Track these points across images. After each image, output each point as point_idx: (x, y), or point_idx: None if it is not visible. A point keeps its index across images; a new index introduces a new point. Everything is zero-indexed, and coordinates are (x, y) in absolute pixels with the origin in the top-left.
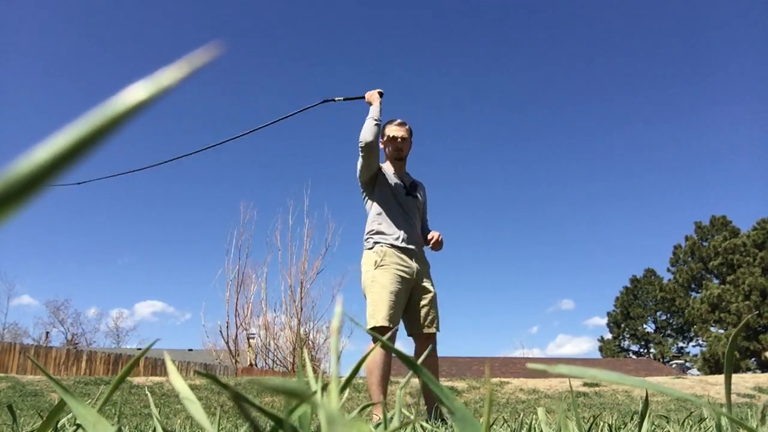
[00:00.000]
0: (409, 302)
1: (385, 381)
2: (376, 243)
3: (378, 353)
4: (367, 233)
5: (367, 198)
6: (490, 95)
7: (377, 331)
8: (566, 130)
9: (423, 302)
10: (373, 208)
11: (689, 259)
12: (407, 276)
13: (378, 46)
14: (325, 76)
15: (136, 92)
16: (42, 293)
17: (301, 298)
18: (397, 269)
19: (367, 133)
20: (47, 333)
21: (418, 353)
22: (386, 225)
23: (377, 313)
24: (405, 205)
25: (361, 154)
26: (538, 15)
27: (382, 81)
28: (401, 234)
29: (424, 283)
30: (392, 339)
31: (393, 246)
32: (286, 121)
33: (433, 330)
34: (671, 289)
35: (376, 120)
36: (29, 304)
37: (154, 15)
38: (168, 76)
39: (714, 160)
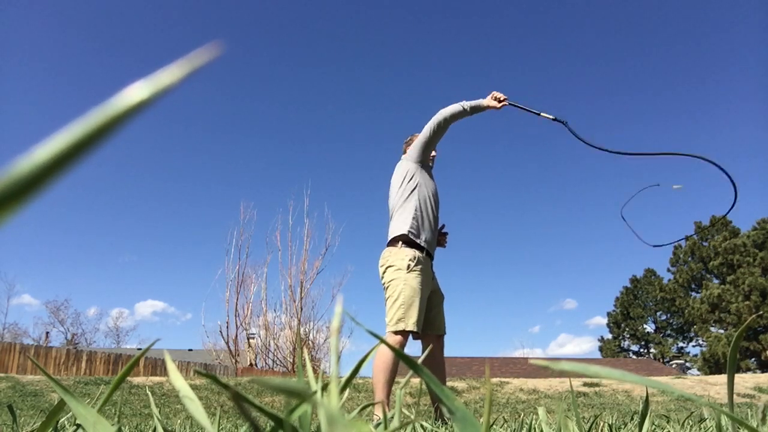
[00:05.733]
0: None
1: (391, 382)
2: (412, 243)
3: (390, 354)
4: (402, 229)
5: (403, 184)
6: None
7: (404, 335)
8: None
9: (436, 306)
10: (411, 202)
11: (689, 259)
12: (430, 281)
13: (379, 47)
14: (326, 76)
15: (137, 92)
16: (42, 293)
17: (301, 298)
18: (426, 275)
19: (451, 110)
20: (47, 333)
21: (429, 354)
22: (423, 227)
23: (408, 318)
24: (438, 210)
25: (436, 127)
26: (539, 15)
27: (384, 81)
28: (432, 240)
29: (437, 287)
30: (406, 342)
31: (425, 253)
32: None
33: (443, 332)
34: (671, 289)
35: (466, 108)
36: (29, 304)
37: (154, 15)
38: (168, 75)
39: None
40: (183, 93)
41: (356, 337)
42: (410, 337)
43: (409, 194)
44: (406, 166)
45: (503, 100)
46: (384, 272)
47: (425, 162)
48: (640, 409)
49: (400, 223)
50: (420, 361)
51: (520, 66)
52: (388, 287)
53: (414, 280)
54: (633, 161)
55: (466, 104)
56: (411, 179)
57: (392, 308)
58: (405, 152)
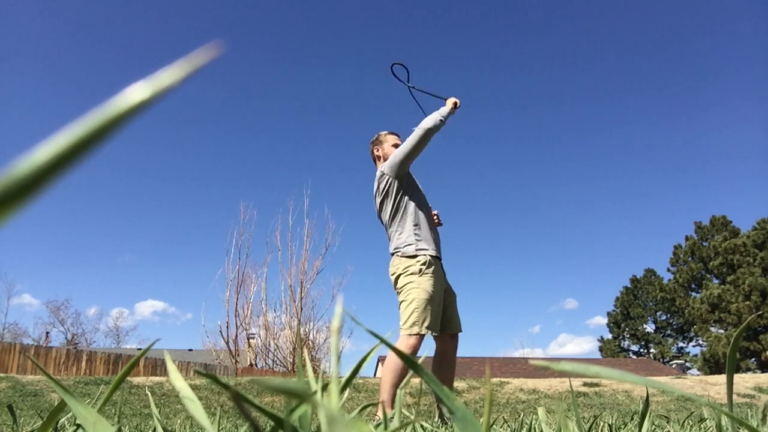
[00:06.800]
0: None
1: (398, 383)
2: (418, 251)
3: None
4: (405, 241)
5: (394, 200)
6: (492, 95)
7: (418, 338)
8: (567, 130)
9: (450, 305)
10: (406, 214)
11: (689, 259)
12: (443, 282)
13: (379, 47)
14: (325, 77)
15: (137, 92)
16: (42, 293)
17: (301, 298)
18: (438, 277)
19: (431, 123)
20: (47, 333)
21: (440, 353)
22: (425, 235)
23: (422, 321)
24: (429, 207)
25: (417, 140)
26: (539, 14)
27: (385, 80)
28: (435, 241)
29: (449, 286)
30: (420, 344)
31: (433, 257)
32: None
33: (458, 330)
34: (671, 289)
35: (443, 117)
36: (29, 304)
37: (154, 15)
38: (169, 75)
39: (714, 160)
40: (183, 93)
41: (356, 337)
42: (424, 338)
43: (403, 213)
44: (389, 182)
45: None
46: (396, 279)
47: (406, 173)
48: (640, 409)
49: (403, 243)
50: (421, 360)
51: (519, 64)
52: (401, 292)
53: (427, 283)
54: None
55: (444, 114)
56: (400, 197)
57: (406, 312)
58: (373, 153)
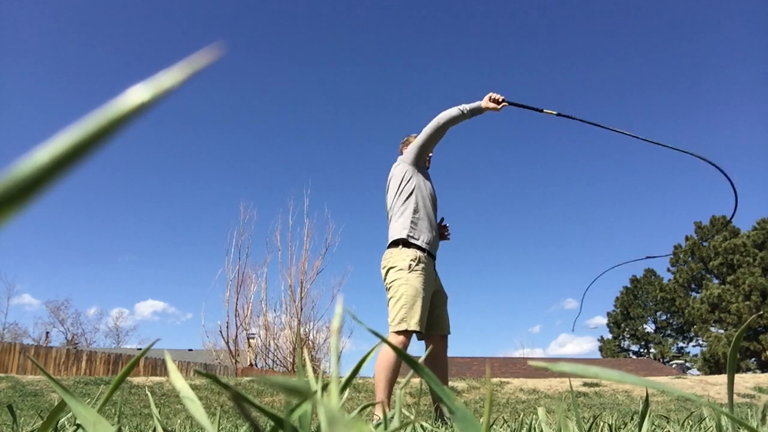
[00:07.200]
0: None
1: (393, 382)
2: (413, 243)
3: (392, 354)
4: (402, 233)
5: (400, 184)
6: None
7: (406, 335)
8: (567, 130)
9: (440, 306)
10: (408, 205)
11: (689, 259)
12: (433, 281)
13: (379, 47)
14: (326, 77)
15: (138, 93)
16: (42, 293)
17: (301, 298)
18: (428, 275)
19: (448, 115)
20: (47, 333)
21: (431, 354)
22: (423, 227)
23: (410, 318)
24: (436, 211)
25: (432, 130)
26: (540, 15)
27: (384, 80)
28: (433, 241)
29: (440, 287)
30: (409, 341)
31: (427, 252)
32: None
33: (447, 332)
34: (671, 289)
35: (464, 111)
36: (29, 304)
37: (155, 16)
38: (170, 77)
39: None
40: (183, 93)
41: (356, 337)
42: (413, 337)
43: (407, 197)
44: (402, 168)
45: (502, 101)
46: (386, 273)
47: (421, 164)
48: (640, 409)
49: (399, 226)
50: (421, 360)
51: (519, 65)
52: (390, 288)
53: (416, 279)
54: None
55: (465, 108)
56: (408, 182)
57: (394, 308)
58: (402, 153)
